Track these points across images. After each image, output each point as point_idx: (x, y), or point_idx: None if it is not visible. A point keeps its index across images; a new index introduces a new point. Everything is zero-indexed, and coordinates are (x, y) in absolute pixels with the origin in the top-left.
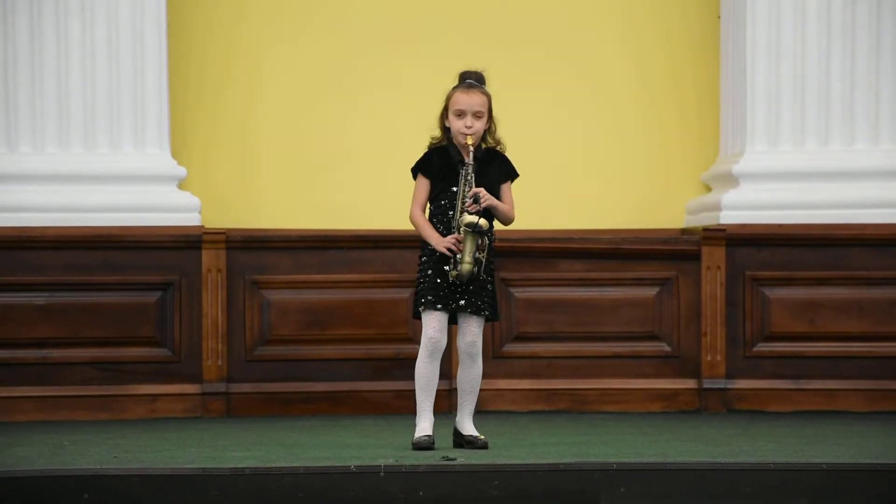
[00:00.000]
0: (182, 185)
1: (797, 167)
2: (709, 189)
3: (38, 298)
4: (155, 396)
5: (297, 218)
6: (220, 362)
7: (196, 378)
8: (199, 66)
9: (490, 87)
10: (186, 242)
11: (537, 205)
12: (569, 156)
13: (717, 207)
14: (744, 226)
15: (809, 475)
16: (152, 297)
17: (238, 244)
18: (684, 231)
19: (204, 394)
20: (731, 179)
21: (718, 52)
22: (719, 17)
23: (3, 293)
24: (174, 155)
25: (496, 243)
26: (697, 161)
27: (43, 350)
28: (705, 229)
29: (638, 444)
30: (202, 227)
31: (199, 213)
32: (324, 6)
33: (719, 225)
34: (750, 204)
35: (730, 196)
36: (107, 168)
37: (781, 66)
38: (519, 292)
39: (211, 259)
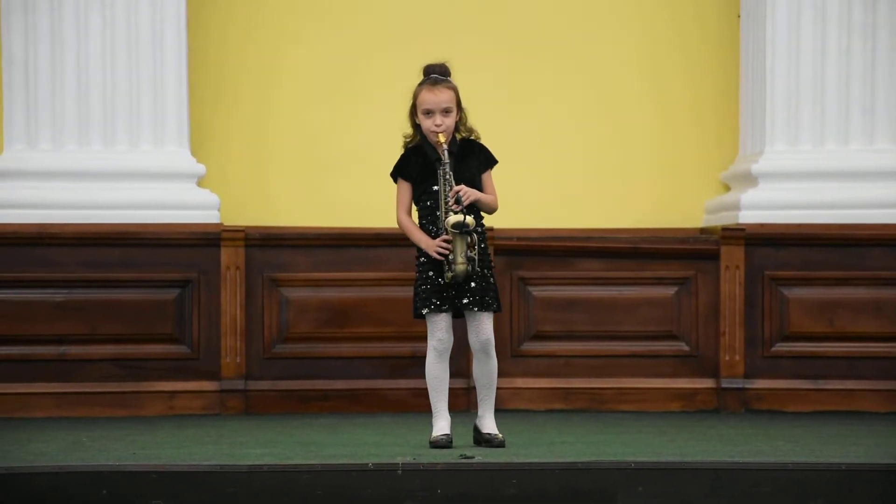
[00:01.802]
0: (200, 182)
1: (817, 167)
2: (727, 188)
3: (57, 295)
4: (173, 393)
5: (312, 216)
6: (238, 360)
7: (214, 375)
8: (217, 64)
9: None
10: (205, 240)
11: (556, 204)
12: (587, 155)
13: (736, 207)
14: (763, 225)
15: (828, 475)
16: (171, 294)
17: (257, 242)
18: (703, 230)
19: (222, 391)
20: (750, 179)
21: (735, 52)
22: (739, 17)
23: (22, 289)
24: (192, 153)
25: (516, 242)
26: (716, 161)
27: (61, 346)
28: (724, 229)
29: (656, 443)
30: (221, 224)
31: (219, 210)
32: (338, 6)
33: (738, 224)
34: (769, 203)
35: (749, 195)
36: (126, 165)
37: (801, 65)
38: (537, 291)
39: (230, 256)
